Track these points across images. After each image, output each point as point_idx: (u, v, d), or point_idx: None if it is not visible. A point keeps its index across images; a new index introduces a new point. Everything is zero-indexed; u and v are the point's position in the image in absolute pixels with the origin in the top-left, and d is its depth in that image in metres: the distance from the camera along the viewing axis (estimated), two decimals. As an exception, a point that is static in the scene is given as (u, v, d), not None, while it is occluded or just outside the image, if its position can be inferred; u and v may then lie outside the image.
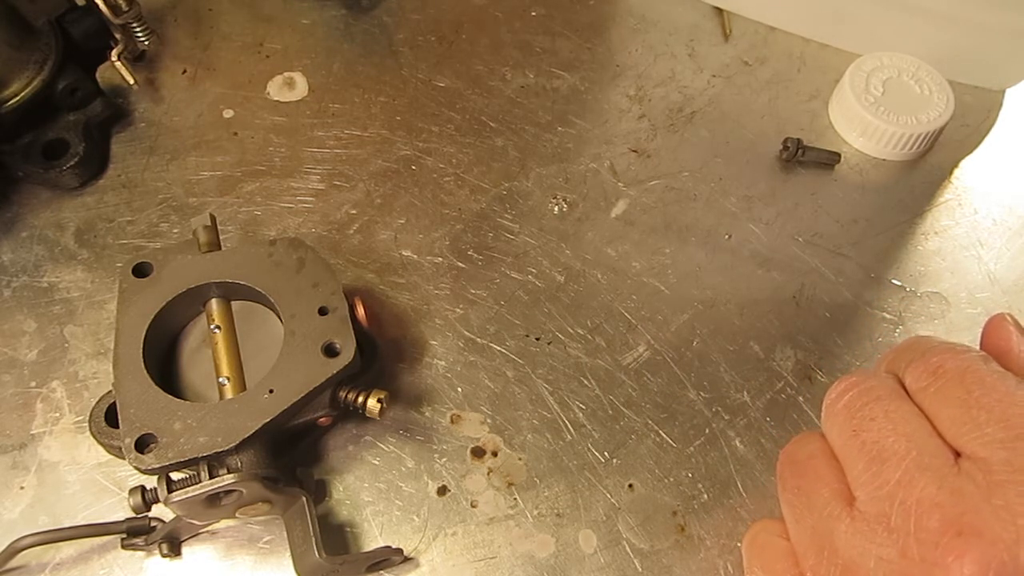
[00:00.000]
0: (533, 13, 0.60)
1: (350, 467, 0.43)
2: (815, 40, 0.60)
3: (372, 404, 0.40)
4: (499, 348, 0.47)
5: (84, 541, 0.41)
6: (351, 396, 0.40)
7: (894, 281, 0.51)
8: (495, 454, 0.44)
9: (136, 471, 0.37)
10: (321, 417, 0.41)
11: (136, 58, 0.56)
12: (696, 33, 0.60)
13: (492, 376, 0.46)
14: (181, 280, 0.41)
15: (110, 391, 0.40)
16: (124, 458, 0.37)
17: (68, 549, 0.41)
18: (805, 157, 0.54)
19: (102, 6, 0.50)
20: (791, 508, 0.35)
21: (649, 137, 0.55)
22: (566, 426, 0.45)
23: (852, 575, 0.31)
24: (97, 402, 0.40)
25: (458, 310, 0.48)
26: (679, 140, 0.55)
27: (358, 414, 0.41)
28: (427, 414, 0.45)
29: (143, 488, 0.38)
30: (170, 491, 0.36)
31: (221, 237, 0.44)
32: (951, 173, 0.55)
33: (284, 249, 0.43)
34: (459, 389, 0.46)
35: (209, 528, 0.41)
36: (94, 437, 0.40)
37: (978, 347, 0.35)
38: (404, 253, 0.50)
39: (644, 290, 0.50)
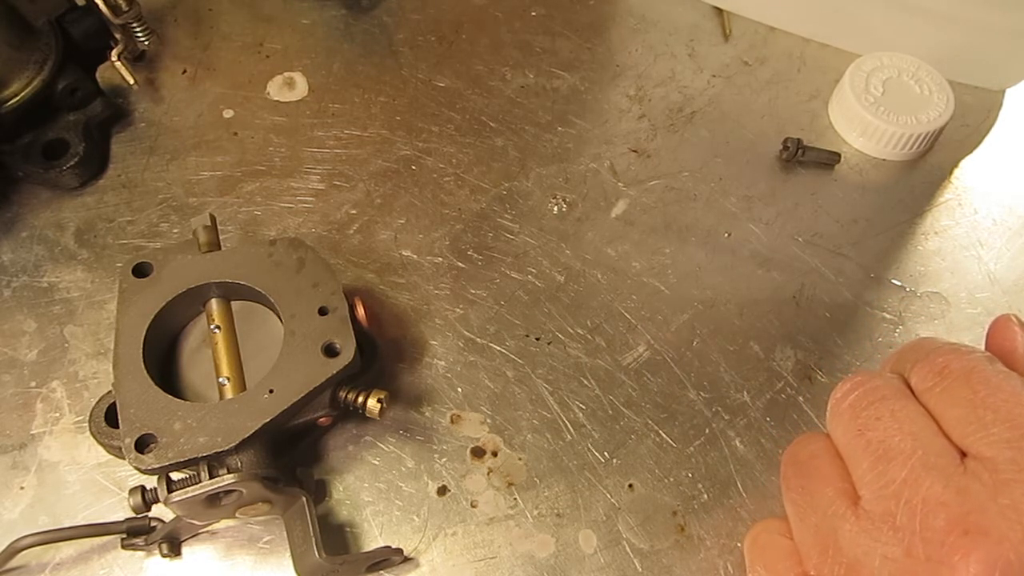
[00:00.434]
0: (533, 13, 0.60)
1: (350, 467, 0.43)
2: (815, 40, 0.60)
3: (372, 404, 0.40)
4: (499, 348, 0.47)
5: (84, 541, 0.40)
6: (351, 396, 0.40)
7: (894, 281, 0.51)
8: (495, 454, 0.44)
9: (136, 471, 0.37)
10: (321, 417, 0.41)
11: (136, 58, 0.56)
12: (696, 33, 0.60)
13: (492, 376, 0.46)
14: (181, 280, 0.41)
15: (110, 391, 0.40)
16: (124, 458, 0.37)
17: (68, 549, 0.41)
18: (805, 157, 0.54)
19: (102, 6, 0.50)
20: (795, 507, 0.35)
21: (649, 137, 0.55)
22: (566, 426, 0.45)
23: (856, 574, 0.31)
24: (97, 402, 0.40)
25: (458, 310, 0.48)
26: (679, 140, 0.55)
27: (358, 414, 0.41)
28: (427, 414, 0.45)
29: (143, 488, 0.37)
30: (170, 491, 0.36)
31: (221, 237, 0.44)
32: (951, 173, 0.55)
33: (284, 249, 0.43)
34: (459, 389, 0.46)
35: (209, 528, 0.41)
36: (94, 437, 0.40)
37: (981, 347, 0.35)
38: (404, 253, 0.50)
39: (644, 290, 0.49)
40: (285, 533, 0.40)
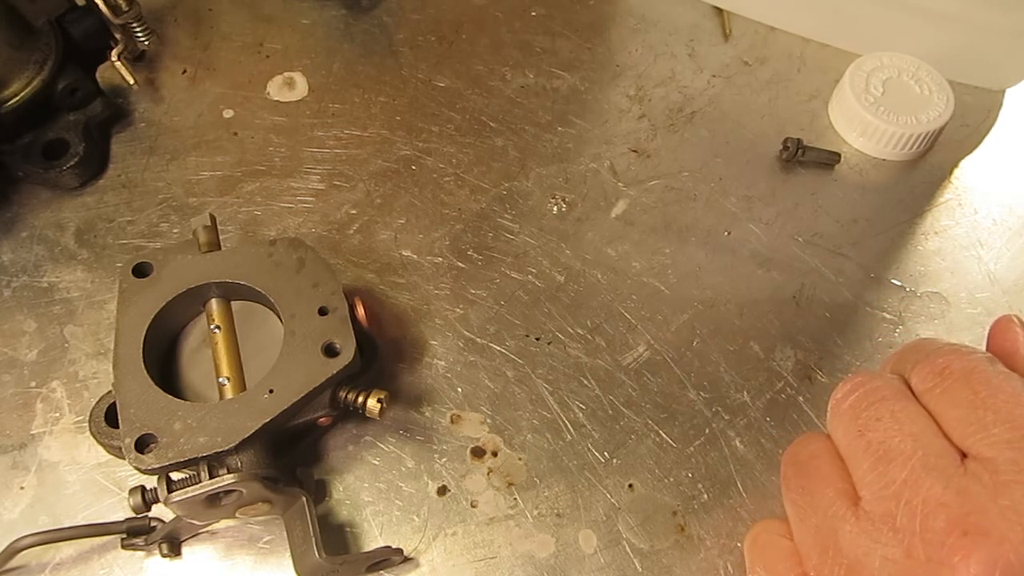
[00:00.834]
0: (533, 13, 0.60)
1: (350, 467, 0.43)
2: (815, 40, 0.60)
3: (372, 404, 0.40)
4: (499, 348, 0.47)
5: (84, 541, 0.40)
6: (351, 396, 0.40)
7: (894, 281, 0.51)
8: (495, 454, 0.44)
9: (136, 471, 0.37)
10: (321, 417, 0.41)
11: (136, 58, 0.56)
12: (696, 33, 0.60)
13: (492, 376, 0.46)
14: (181, 280, 0.41)
15: (110, 391, 0.40)
16: (124, 458, 0.37)
17: (68, 549, 0.41)
18: (805, 157, 0.54)
19: (102, 6, 0.50)
20: (795, 508, 0.35)
21: (649, 137, 0.55)
22: (566, 426, 0.45)
23: (856, 575, 0.31)
24: (97, 402, 0.40)
25: (458, 310, 0.48)
26: (679, 140, 0.55)
27: (358, 414, 0.41)
28: (427, 414, 0.45)
29: (143, 488, 0.37)
30: (170, 491, 0.36)
31: (221, 237, 0.44)
32: (951, 173, 0.55)
33: (284, 249, 0.43)
34: (459, 389, 0.46)
35: (209, 528, 0.41)
36: (94, 437, 0.40)
37: (982, 348, 0.35)
38: (404, 253, 0.50)
39: (644, 290, 0.49)
40: (285, 533, 0.40)
